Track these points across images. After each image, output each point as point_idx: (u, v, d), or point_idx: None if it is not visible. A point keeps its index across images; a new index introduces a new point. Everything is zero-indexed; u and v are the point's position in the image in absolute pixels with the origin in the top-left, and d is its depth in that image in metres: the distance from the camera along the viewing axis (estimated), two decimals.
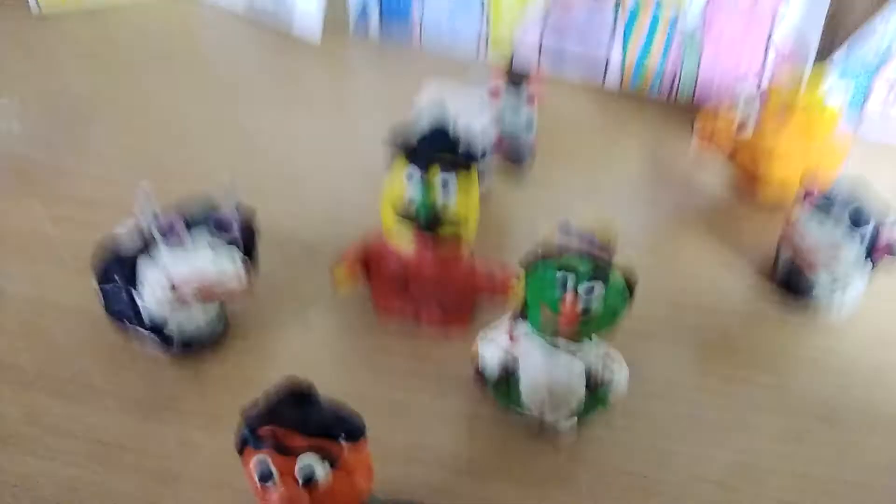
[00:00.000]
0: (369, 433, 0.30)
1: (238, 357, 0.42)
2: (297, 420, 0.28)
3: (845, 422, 0.43)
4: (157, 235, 0.36)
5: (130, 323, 0.40)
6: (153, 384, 0.41)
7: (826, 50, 0.63)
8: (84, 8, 0.70)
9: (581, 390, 0.38)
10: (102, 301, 0.40)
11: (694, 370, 0.46)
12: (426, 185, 0.39)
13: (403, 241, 0.42)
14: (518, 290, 0.42)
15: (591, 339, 0.38)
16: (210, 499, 0.36)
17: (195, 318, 0.40)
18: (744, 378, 0.45)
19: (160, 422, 0.39)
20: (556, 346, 0.37)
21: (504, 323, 0.40)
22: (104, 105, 0.59)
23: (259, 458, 0.27)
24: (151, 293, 0.37)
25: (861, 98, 0.65)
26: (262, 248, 0.44)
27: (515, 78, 0.49)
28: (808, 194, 0.48)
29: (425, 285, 0.43)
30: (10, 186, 0.50)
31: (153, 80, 0.63)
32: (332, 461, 0.28)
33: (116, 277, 0.39)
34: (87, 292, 0.42)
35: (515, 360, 0.39)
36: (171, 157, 0.54)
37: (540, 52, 0.68)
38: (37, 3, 0.68)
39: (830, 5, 0.61)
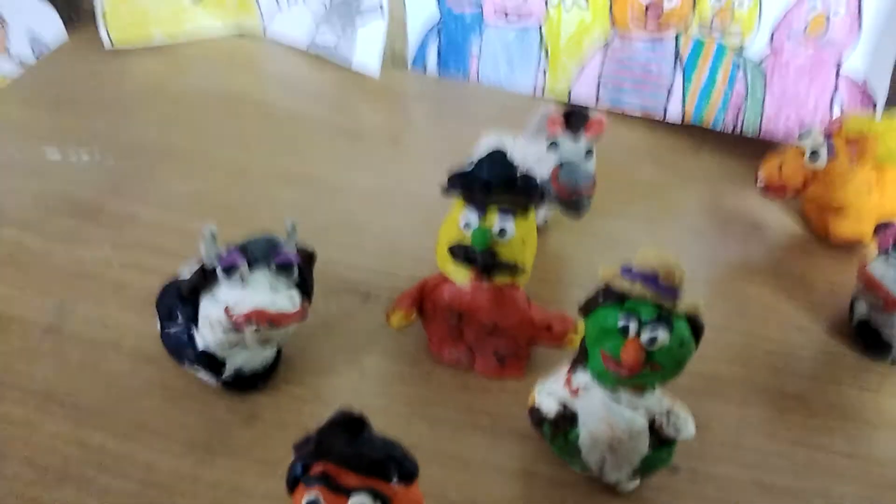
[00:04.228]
0: (423, 486, 0.30)
1: (292, 402, 0.44)
2: (351, 456, 0.28)
3: None
4: (219, 273, 0.37)
5: (190, 361, 0.42)
6: (208, 427, 0.42)
7: None
8: (153, 43, 0.74)
9: (644, 447, 0.37)
10: (164, 340, 0.42)
11: (764, 433, 0.44)
12: (483, 229, 0.40)
13: (459, 285, 0.42)
14: (576, 338, 0.41)
15: (653, 389, 0.37)
16: None
17: (251, 356, 0.41)
18: (819, 444, 0.44)
19: (213, 465, 0.40)
20: (617, 400, 0.36)
21: (562, 373, 0.39)
22: (172, 148, 0.62)
23: (310, 496, 0.27)
24: (209, 327, 0.39)
25: None
26: (319, 293, 0.45)
27: (575, 116, 0.50)
28: (885, 231, 0.46)
29: (480, 332, 0.43)
30: (83, 231, 0.53)
31: (219, 119, 0.67)
32: (385, 502, 0.27)
33: (178, 314, 0.40)
34: (149, 333, 0.44)
35: (574, 413, 0.38)
36: (235, 202, 0.57)
37: (599, 85, 0.69)
38: (109, 38, 0.71)
39: None
